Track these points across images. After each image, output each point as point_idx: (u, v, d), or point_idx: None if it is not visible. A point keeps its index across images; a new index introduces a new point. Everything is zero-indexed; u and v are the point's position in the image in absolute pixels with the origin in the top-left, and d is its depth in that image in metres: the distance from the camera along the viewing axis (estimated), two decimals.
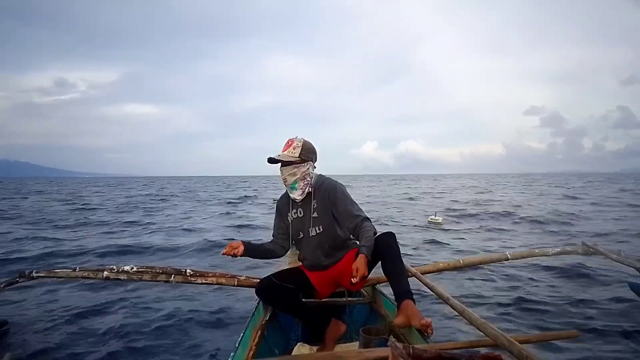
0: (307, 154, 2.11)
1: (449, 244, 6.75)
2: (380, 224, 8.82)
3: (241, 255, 2.12)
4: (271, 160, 2.08)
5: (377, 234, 2.03)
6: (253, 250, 2.19)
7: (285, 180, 2.12)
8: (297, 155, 2.08)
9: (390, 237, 2.02)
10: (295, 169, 2.08)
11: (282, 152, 2.10)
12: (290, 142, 2.11)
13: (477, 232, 8.49)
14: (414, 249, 6.40)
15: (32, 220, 11.00)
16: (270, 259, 2.33)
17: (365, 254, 1.89)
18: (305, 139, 2.15)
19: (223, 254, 2.11)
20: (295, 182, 2.10)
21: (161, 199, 20.37)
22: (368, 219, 2.06)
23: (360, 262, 1.86)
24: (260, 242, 2.36)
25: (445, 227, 9.18)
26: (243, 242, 2.15)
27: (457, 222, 10.05)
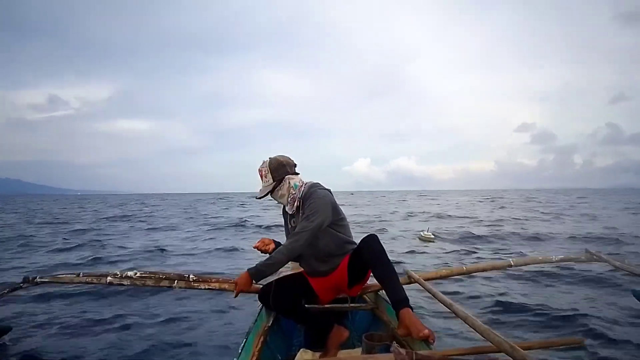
0: (278, 172, 2.12)
1: None
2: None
3: (269, 253, 2.18)
4: (260, 198, 2.17)
5: (362, 239, 2.01)
6: None
7: (280, 203, 2.20)
8: (272, 181, 2.12)
9: (372, 240, 1.97)
10: (279, 191, 2.13)
11: (261, 183, 2.16)
12: (260, 172, 2.14)
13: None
14: None
15: None
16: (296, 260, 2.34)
17: (249, 270, 1.99)
18: (271, 157, 2.16)
19: (254, 247, 2.22)
20: (287, 199, 2.16)
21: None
22: (306, 230, 1.96)
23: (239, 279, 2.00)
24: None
25: (437, 243, 8.36)
26: (274, 240, 2.25)
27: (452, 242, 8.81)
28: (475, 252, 7.23)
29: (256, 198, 2.18)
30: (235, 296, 2.06)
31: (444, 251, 7.47)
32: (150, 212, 22.43)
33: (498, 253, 7.13)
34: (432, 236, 8.71)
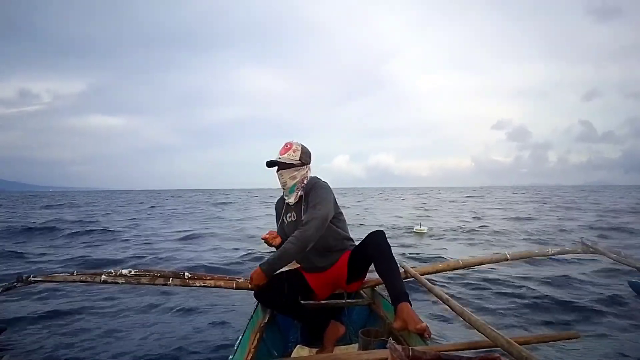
0: (306, 158, 2.14)
1: None
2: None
3: (276, 247, 2.16)
4: (271, 164, 2.09)
5: (368, 234, 2.00)
6: None
7: (285, 184, 2.12)
8: (298, 158, 2.11)
9: (379, 236, 1.97)
10: (296, 172, 2.10)
11: (281, 154, 2.11)
12: (289, 145, 2.12)
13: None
14: None
15: None
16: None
17: (261, 265, 1.97)
18: (303, 144, 2.17)
19: (262, 238, 2.19)
20: (295, 185, 2.11)
21: None
22: (315, 218, 1.92)
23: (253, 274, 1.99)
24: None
25: (430, 237, 8.80)
26: (280, 236, 2.20)
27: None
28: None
29: (268, 162, 2.08)
30: (255, 292, 2.09)
31: (438, 243, 7.69)
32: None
33: None
34: (425, 230, 9.32)
